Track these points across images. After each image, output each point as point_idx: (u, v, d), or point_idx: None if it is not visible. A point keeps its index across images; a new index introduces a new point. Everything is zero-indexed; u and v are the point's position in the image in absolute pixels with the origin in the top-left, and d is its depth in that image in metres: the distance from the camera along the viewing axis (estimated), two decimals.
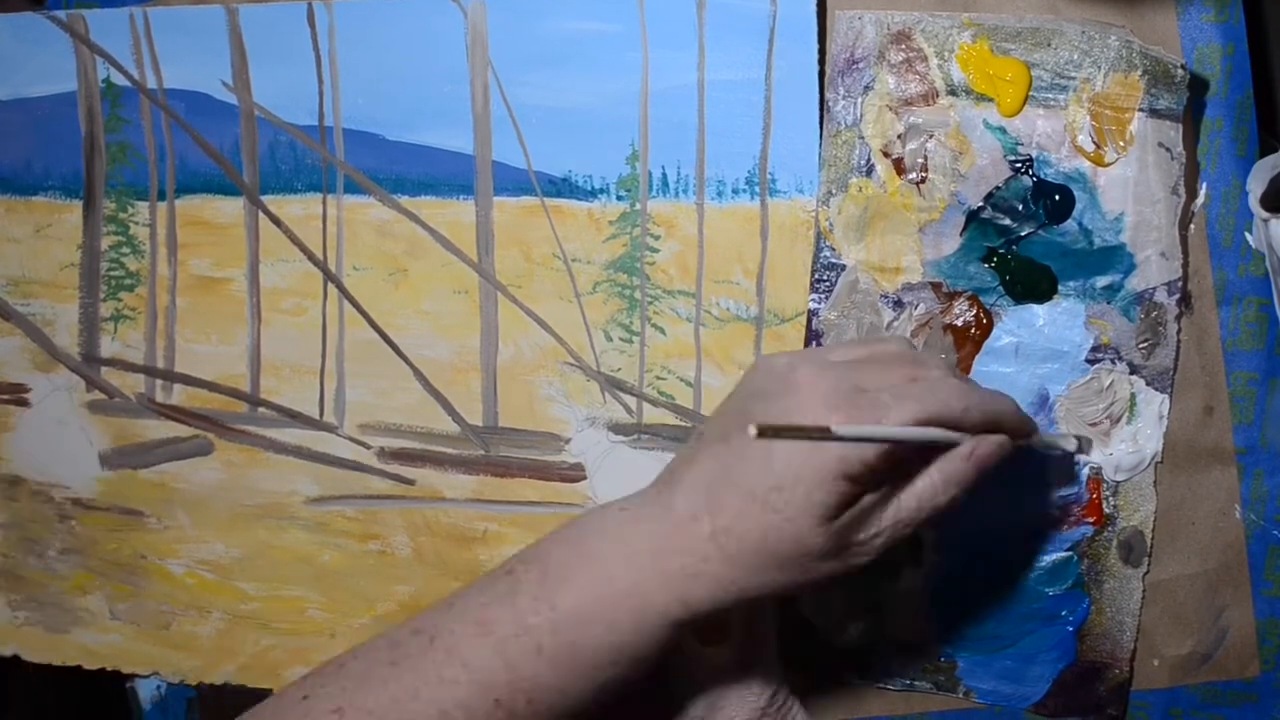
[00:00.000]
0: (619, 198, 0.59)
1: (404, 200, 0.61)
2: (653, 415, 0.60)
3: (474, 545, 0.62)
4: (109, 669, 0.66)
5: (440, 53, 0.60)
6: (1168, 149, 0.54)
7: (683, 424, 0.59)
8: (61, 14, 0.63)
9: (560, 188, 0.60)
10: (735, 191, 0.58)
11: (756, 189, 0.58)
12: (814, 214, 0.57)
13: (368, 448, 0.62)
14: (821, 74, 0.57)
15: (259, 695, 0.64)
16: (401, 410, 0.62)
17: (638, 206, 0.59)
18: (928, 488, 0.45)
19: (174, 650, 0.65)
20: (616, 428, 0.60)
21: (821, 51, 0.57)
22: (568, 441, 0.60)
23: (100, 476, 0.65)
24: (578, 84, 0.59)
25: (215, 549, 0.64)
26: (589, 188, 0.59)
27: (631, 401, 0.60)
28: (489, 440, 0.61)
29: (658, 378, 0.59)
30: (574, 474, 0.60)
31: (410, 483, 0.62)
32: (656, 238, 0.59)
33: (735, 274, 0.58)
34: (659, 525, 0.45)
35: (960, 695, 0.59)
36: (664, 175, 0.59)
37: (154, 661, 0.65)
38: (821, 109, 0.57)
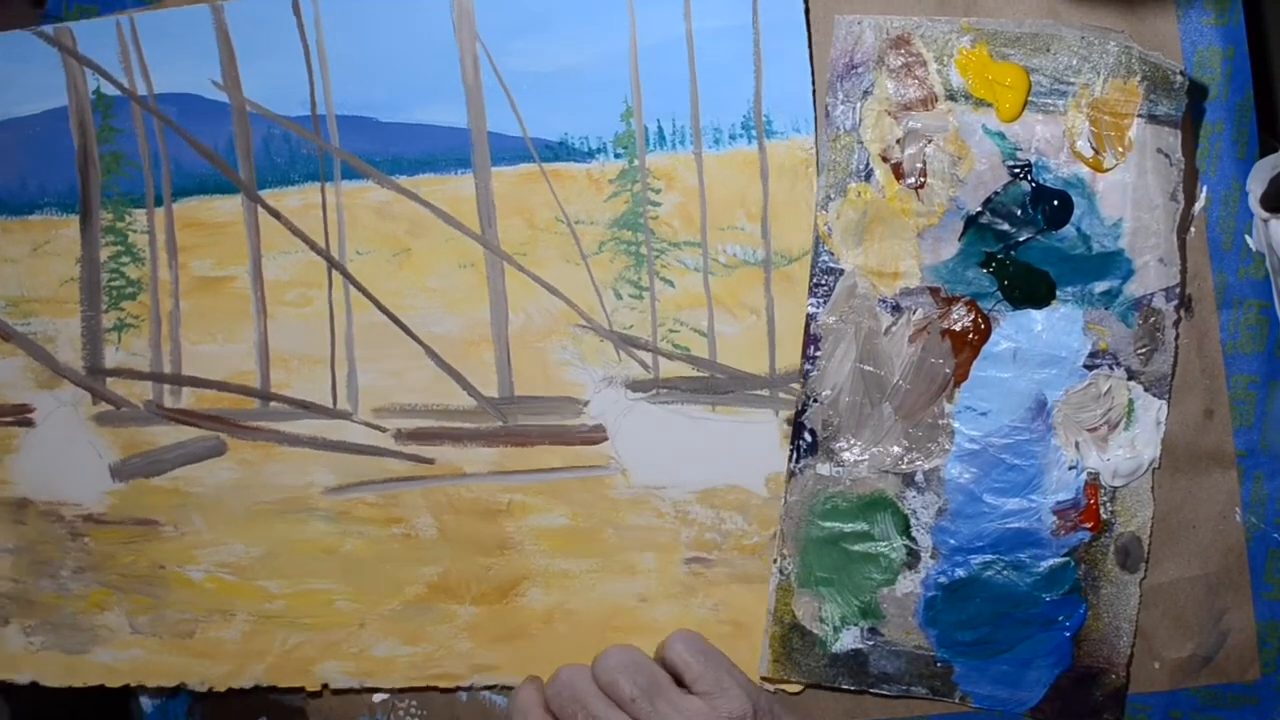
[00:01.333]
0: (616, 155, 0.59)
1: (402, 180, 0.61)
2: (669, 369, 0.59)
3: (499, 518, 0.60)
4: (133, 685, 0.64)
5: (427, 29, 0.60)
6: (1166, 155, 0.54)
7: (700, 374, 0.58)
8: (49, 28, 0.63)
9: (557, 151, 0.59)
10: (732, 137, 0.58)
11: (753, 133, 0.58)
12: (812, 152, 0.57)
13: (384, 431, 0.61)
14: (808, 11, 0.57)
15: (261, 697, 0.63)
16: (415, 390, 0.61)
17: (636, 162, 0.59)
18: None
19: (199, 658, 0.63)
20: (634, 385, 0.59)
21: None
22: (586, 404, 0.59)
23: (111, 489, 0.64)
24: (566, 46, 0.59)
25: (235, 550, 0.63)
26: (585, 149, 0.59)
27: (647, 357, 0.59)
28: (506, 410, 0.60)
29: (671, 331, 0.59)
30: (595, 436, 0.59)
31: (430, 462, 0.61)
32: (657, 191, 0.59)
33: (739, 219, 0.58)
34: None
35: (957, 700, 0.58)
36: (660, 128, 0.58)
37: (179, 672, 0.63)
38: (810, 46, 0.57)
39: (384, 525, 0.61)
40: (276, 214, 0.62)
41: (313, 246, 0.61)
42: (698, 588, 0.59)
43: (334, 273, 0.61)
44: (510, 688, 0.61)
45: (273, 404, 0.62)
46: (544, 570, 0.60)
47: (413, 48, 0.60)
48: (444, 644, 0.61)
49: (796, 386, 0.58)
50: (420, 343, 0.61)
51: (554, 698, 0.56)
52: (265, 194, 0.62)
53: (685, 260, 0.59)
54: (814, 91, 0.57)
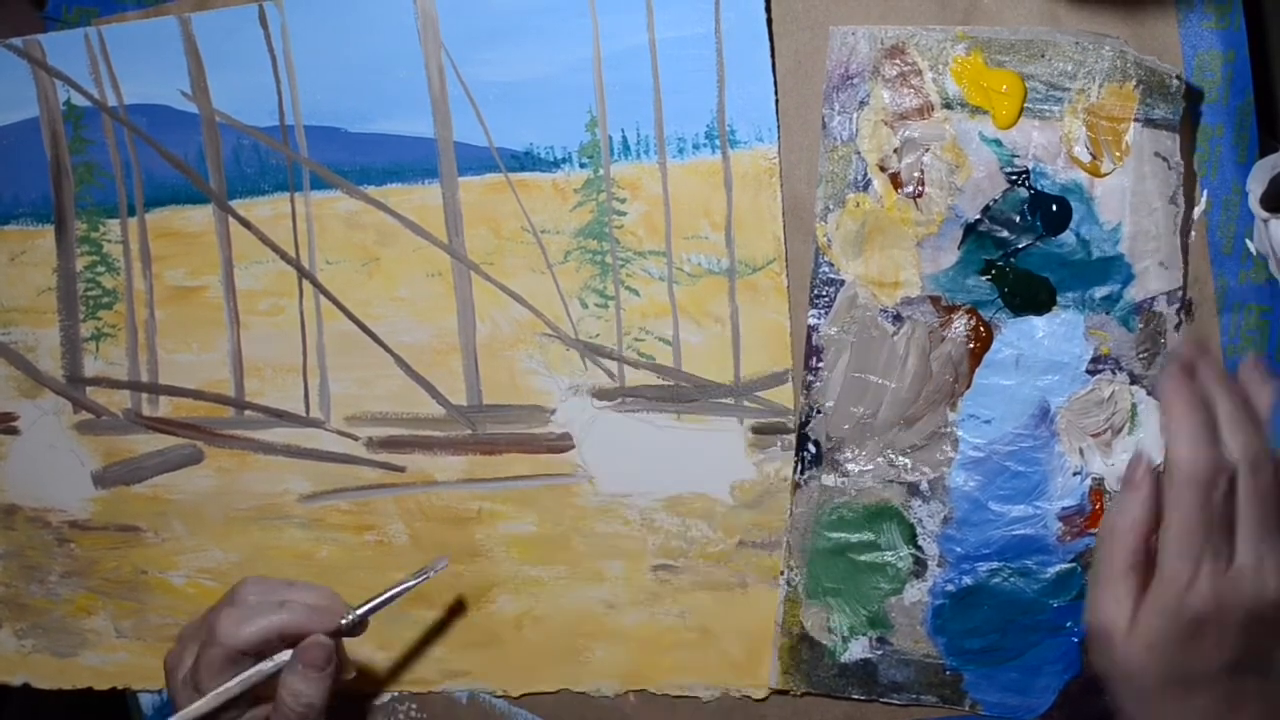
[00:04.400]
0: (581, 165, 0.58)
1: (370, 190, 0.60)
2: (635, 377, 0.58)
3: (469, 525, 0.60)
4: (120, 688, 0.64)
5: (393, 40, 0.58)
6: (1164, 158, 0.53)
7: (665, 383, 0.58)
8: (18, 41, 0.62)
9: (523, 161, 0.58)
10: (696, 147, 0.57)
11: (716, 143, 0.56)
12: (775, 161, 0.56)
13: (356, 439, 0.61)
14: (770, 20, 0.55)
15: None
16: (386, 398, 0.60)
17: (601, 172, 0.57)
18: (284, 711, 0.52)
19: None
20: (600, 393, 0.58)
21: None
22: (553, 412, 0.59)
23: (94, 496, 0.64)
24: (531, 56, 0.57)
25: (214, 556, 0.63)
26: (551, 158, 0.58)
27: (612, 366, 0.58)
28: (475, 419, 0.59)
29: (636, 339, 0.58)
30: (562, 444, 0.59)
31: (401, 470, 0.60)
32: (622, 201, 0.57)
33: (703, 228, 0.57)
34: None
35: (966, 708, 0.57)
36: (624, 138, 0.57)
37: (163, 676, 0.63)
38: (773, 55, 0.55)
39: (357, 532, 0.61)
40: (247, 224, 0.61)
41: (283, 256, 0.61)
42: (664, 595, 0.59)
43: (305, 282, 0.61)
44: (482, 693, 0.61)
45: (247, 412, 0.62)
46: (513, 577, 0.60)
47: (379, 57, 0.59)
48: (418, 650, 0.61)
49: (761, 394, 0.57)
50: (390, 351, 0.60)
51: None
52: (236, 204, 0.61)
53: (650, 269, 0.57)
54: (776, 100, 0.56)
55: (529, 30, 0.57)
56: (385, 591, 0.55)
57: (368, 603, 0.54)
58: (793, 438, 0.57)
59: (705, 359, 0.57)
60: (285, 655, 0.52)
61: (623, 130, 0.57)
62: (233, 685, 0.51)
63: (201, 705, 0.51)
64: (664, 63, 0.56)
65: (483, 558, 0.60)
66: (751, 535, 0.57)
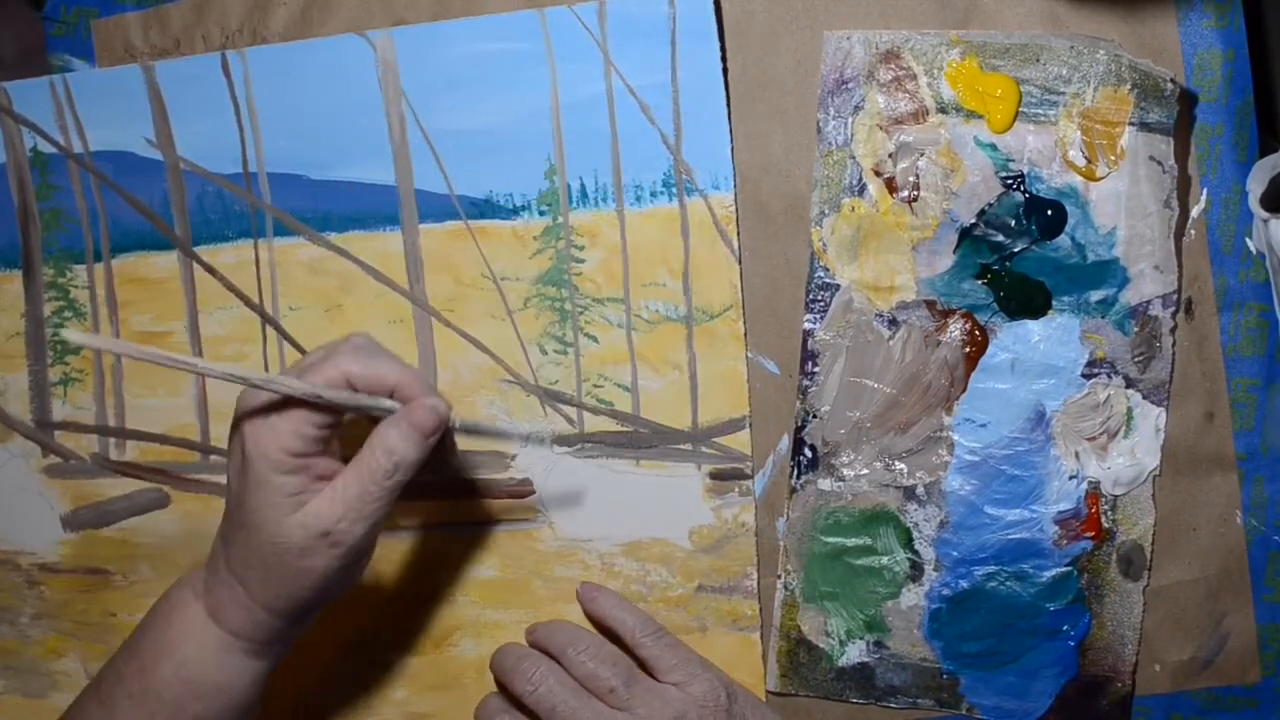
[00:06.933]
0: (541, 213, 0.57)
1: (333, 237, 0.59)
2: (594, 424, 0.58)
3: (431, 569, 0.59)
4: None
5: (354, 89, 0.58)
6: (1159, 162, 0.53)
7: (624, 429, 0.57)
8: None
9: (483, 209, 0.58)
10: (653, 195, 0.56)
11: (673, 190, 0.56)
12: (732, 209, 0.56)
13: None
14: (725, 70, 0.55)
15: None
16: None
17: (560, 219, 0.57)
18: (370, 462, 0.47)
19: None
20: (560, 439, 0.58)
21: (723, 48, 0.55)
22: (513, 458, 0.58)
23: (63, 539, 0.63)
24: (490, 105, 0.57)
25: None
26: (510, 206, 0.57)
27: (572, 412, 0.58)
28: (436, 464, 0.59)
29: (595, 386, 0.57)
30: (522, 489, 0.58)
31: None
32: (581, 248, 0.57)
33: (661, 276, 0.57)
34: (211, 599, 0.50)
35: (964, 712, 0.57)
36: (583, 186, 0.57)
37: None
38: (728, 103, 0.55)
39: None
40: (211, 270, 0.61)
41: (247, 302, 0.60)
42: None
43: (268, 328, 0.60)
44: None
45: (213, 457, 0.61)
46: (475, 621, 0.59)
47: (340, 106, 0.58)
48: (379, 692, 0.60)
49: (719, 440, 0.56)
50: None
51: (528, 695, 0.54)
52: (200, 250, 0.61)
53: (609, 316, 0.57)
54: (731, 150, 0.55)
55: (488, 79, 0.57)
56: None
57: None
58: (750, 483, 0.56)
59: (663, 405, 0.57)
60: (392, 404, 0.47)
61: (581, 178, 0.57)
62: (326, 391, 0.45)
63: (286, 385, 0.44)
64: (622, 111, 0.56)
65: (444, 601, 0.59)
66: (710, 580, 0.57)
